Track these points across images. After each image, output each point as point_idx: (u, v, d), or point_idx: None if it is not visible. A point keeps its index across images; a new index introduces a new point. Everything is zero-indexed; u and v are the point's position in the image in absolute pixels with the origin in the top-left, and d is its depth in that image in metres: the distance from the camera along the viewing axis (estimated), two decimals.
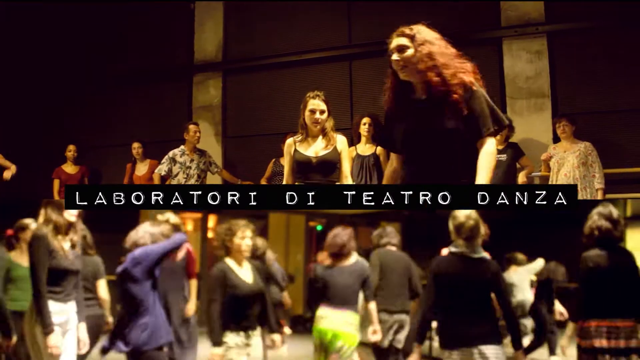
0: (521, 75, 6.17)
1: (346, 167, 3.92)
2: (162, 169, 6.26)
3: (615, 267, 2.79)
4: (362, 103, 6.73)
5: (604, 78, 5.92)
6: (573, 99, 6.04)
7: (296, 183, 3.90)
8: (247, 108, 7.52)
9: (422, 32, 2.52)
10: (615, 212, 2.91)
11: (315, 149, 3.86)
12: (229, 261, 3.14)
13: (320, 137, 3.88)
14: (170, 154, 6.28)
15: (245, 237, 3.17)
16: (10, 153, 6.32)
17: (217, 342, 2.98)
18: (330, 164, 3.86)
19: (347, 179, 3.92)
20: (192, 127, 6.37)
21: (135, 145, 7.14)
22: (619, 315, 2.74)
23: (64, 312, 2.96)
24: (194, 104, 7.75)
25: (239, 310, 3.08)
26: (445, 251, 2.84)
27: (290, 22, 7.34)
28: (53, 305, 2.88)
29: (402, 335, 4.09)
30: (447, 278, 2.71)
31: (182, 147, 6.35)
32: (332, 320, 3.52)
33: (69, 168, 7.50)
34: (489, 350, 2.58)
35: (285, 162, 4.02)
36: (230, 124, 7.65)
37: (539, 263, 5.58)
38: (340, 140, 3.91)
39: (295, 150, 3.90)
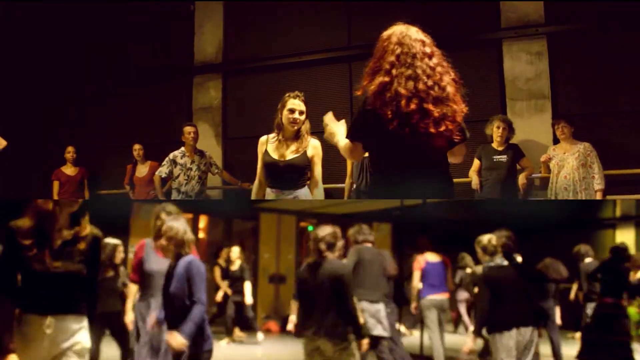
0: (521, 76, 6.17)
1: (317, 172, 3.76)
2: (163, 171, 6.25)
3: None
4: None
5: (603, 79, 5.93)
6: (573, 100, 6.04)
7: (267, 187, 3.81)
8: (247, 109, 7.52)
9: None
10: None
11: (284, 152, 3.74)
12: None
13: (294, 139, 3.77)
14: (171, 155, 6.27)
15: None
16: (9, 153, 6.31)
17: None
18: (298, 168, 3.72)
19: (319, 185, 3.78)
20: (186, 128, 6.30)
21: (136, 146, 7.14)
22: None
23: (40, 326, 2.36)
24: (194, 105, 7.75)
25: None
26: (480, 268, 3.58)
27: (290, 24, 7.34)
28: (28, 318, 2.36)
29: (382, 322, 4.31)
30: (498, 284, 3.43)
31: (182, 148, 6.33)
32: None
33: (69, 169, 7.50)
34: (527, 330, 3.33)
35: (258, 159, 3.89)
36: (230, 126, 7.65)
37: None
38: (313, 146, 3.76)
39: (265, 151, 3.81)
